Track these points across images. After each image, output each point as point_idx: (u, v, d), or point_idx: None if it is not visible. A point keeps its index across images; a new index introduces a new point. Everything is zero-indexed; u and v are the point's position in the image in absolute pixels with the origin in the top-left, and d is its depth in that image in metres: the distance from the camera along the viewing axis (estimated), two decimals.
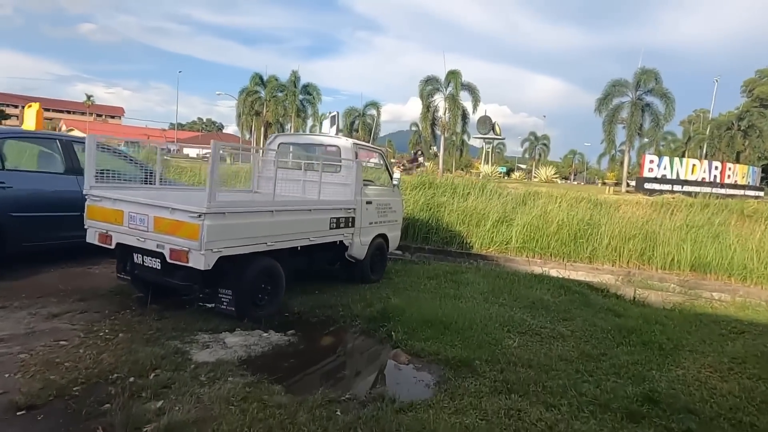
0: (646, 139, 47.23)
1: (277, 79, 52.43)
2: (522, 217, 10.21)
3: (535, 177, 57.39)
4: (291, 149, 7.29)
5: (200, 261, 4.50)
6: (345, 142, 6.79)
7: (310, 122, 57.72)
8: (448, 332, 5.22)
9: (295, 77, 49.92)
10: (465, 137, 66.32)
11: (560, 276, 8.97)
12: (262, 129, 52.01)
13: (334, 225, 6.24)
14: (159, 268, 4.93)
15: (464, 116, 45.35)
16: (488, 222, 10.25)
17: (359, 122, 51.85)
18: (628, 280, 8.94)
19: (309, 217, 5.77)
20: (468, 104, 44.15)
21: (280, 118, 52.45)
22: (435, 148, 57.77)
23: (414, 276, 7.93)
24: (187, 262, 4.57)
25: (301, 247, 5.77)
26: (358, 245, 6.82)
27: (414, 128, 68.16)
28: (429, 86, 42.98)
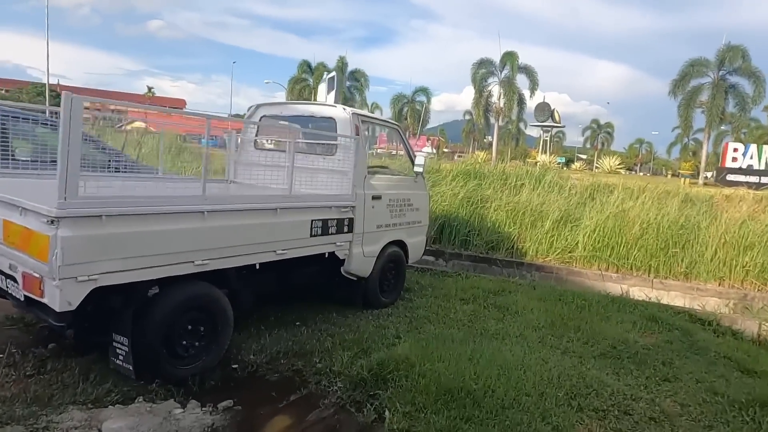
0: (723, 126, 42.41)
1: (325, 66, 51.03)
2: (592, 217, 7.90)
3: (597, 168, 53.16)
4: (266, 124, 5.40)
5: (54, 297, 2.69)
6: (341, 112, 4.81)
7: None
8: (480, 412, 3.18)
9: (342, 63, 48.27)
10: (522, 126, 62.90)
11: (647, 299, 6.64)
12: None
13: (319, 231, 4.30)
14: (22, 298, 3.16)
15: (520, 102, 42.23)
16: (546, 222, 8.01)
17: (408, 109, 49.66)
18: (744, 306, 6.49)
19: (272, 220, 3.85)
20: (526, 92, 41.05)
21: None
22: (489, 137, 54.77)
23: (443, 297, 5.87)
24: (42, 296, 2.78)
25: (260, 264, 3.88)
26: (360, 258, 4.85)
27: (468, 117, 65.23)
28: (482, 69, 40.17)
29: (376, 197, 4.97)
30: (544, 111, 52.95)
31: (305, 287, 4.99)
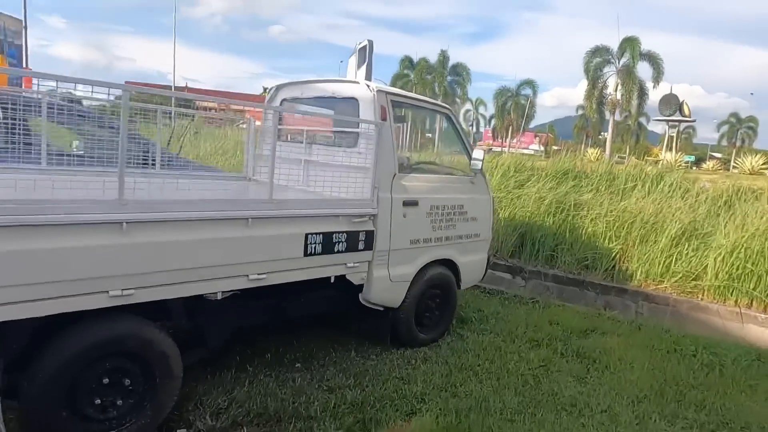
0: None
1: (427, 61, 49.99)
2: (728, 232, 5.92)
3: (734, 167, 46.08)
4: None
5: None
6: (364, 90, 3.64)
7: (461, 107, 54.61)
8: None
9: (443, 57, 46.87)
10: (643, 121, 56.90)
11: None
12: None
13: (318, 248, 3.18)
14: None
15: (641, 93, 37.73)
16: (662, 237, 6.17)
17: (512, 103, 46.86)
18: None
19: (241, 234, 2.81)
20: (649, 84, 36.50)
21: None
22: (605, 133, 50.09)
23: (507, 334, 4.47)
24: None
25: (223, 294, 2.86)
26: (384, 283, 3.66)
27: (581, 112, 60.67)
28: (597, 58, 36.42)
29: (410, 203, 3.74)
30: (671, 103, 47.05)
31: (311, 318, 3.92)
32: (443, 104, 4.24)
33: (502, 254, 6.78)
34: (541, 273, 6.36)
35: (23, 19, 20.10)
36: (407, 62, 51.57)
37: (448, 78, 47.43)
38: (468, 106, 59.03)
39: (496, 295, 5.77)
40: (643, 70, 35.95)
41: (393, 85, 51.79)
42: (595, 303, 5.81)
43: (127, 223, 2.37)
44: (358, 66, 4.12)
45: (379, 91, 3.58)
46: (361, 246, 3.45)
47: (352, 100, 3.76)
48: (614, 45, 35.79)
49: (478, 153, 4.17)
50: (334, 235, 3.27)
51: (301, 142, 4.12)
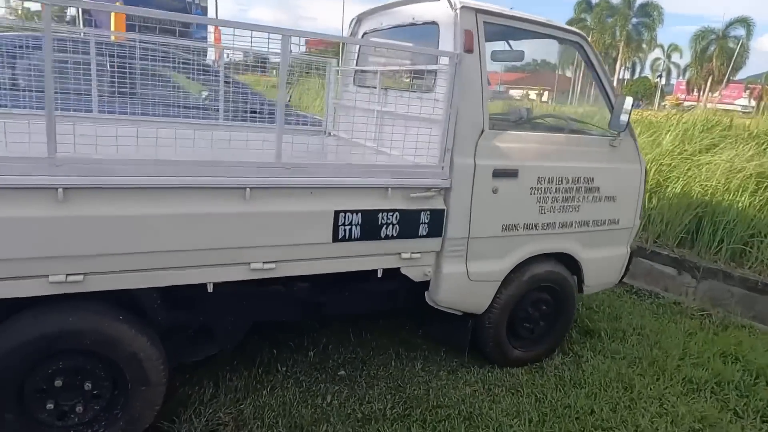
0: None
1: (608, 2, 43.82)
2: None
3: None
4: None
5: None
6: (443, 8, 2.55)
7: (648, 55, 47.33)
8: None
9: None
10: None
11: None
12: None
13: (354, 231, 2.31)
14: None
15: None
16: None
17: (715, 48, 38.79)
18: None
19: (236, 209, 2.06)
20: None
21: (607, 49, 44.21)
22: None
23: (648, 363, 3.13)
24: None
25: (215, 285, 2.18)
26: (460, 281, 2.66)
27: None
28: None
29: (503, 173, 2.62)
30: None
31: (362, 313, 3.11)
32: (574, 29, 2.91)
33: (666, 241, 5.13)
34: (725, 273, 4.61)
35: None
36: (584, 4, 45.83)
37: (633, 20, 40.97)
38: (657, 53, 50.78)
39: (647, 297, 4.31)
40: None
41: None
42: None
43: (64, 188, 1.78)
44: None
45: (463, 7, 2.46)
46: (423, 231, 2.49)
47: (433, 26, 2.71)
48: None
49: (624, 103, 2.81)
50: (381, 214, 2.36)
51: (381, 88, 3.20)
